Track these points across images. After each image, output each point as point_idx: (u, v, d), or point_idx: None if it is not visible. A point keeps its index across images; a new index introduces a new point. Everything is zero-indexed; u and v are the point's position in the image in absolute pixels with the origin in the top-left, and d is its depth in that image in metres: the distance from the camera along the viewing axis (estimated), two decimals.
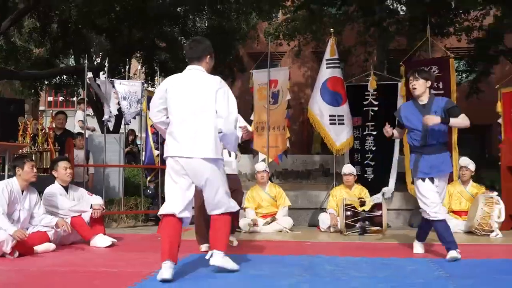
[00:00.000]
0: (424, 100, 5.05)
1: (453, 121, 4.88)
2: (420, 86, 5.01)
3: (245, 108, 23.31)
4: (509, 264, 4.83)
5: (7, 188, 5.32)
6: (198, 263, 4.61)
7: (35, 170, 5.58)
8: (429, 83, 5.03)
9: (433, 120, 4.77)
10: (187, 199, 4.07)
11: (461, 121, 4.89)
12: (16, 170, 5.50)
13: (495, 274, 4.20)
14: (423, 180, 4.92)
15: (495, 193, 7.26)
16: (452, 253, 4.75)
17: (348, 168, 7.85)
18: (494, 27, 15.31)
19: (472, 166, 7.58)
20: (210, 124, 4.09)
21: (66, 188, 6.25)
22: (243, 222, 7.57)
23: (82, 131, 9.21)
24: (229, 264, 4.14)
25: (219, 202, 4.18)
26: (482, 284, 3.77)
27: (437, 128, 4.90)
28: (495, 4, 14.18)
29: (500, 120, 8.62)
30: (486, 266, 4.64)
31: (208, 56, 4.30)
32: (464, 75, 19.19)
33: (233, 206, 4.31)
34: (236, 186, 5.95)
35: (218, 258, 4.08)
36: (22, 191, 5.53)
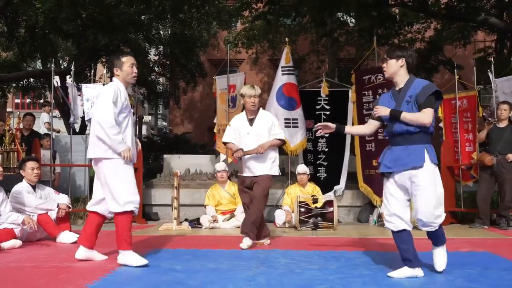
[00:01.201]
0: (400, 83, 3.93)
1: (406, 115, 3.75)
2: (389, 67, 3.94)
3: (207, 110, 23.42)
4: (447, 256, 4.93)
5: None
6: (161, 258, 4.57)
7: (1, 169, 5.44)
8: (402, 62, 3.89)
9: (382, 111, 3.88)
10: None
11: (416, 117, 3.73)
12: None
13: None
14: (386, 178, 3.94)
15: None
16: (404, 271, 3.78)
17: (302, 168, 7.91)
18: (434, 39, 15.73)
19: None
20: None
21: (34, 187, 6.10)
22: (203, 219, 7.56)
23: (49, 132, 9.00)
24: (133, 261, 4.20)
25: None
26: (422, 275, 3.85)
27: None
28: (436, 18, 14.55)
29: (441, 124, 8.85)
30: (426, 258, 4.70)
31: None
32: None
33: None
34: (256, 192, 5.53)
35: (121, 257, 4.25)
36: None
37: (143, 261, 4.13)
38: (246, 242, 5.27)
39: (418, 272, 3.78)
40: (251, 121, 5.60)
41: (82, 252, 4.40)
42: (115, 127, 4.16)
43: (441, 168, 8.44)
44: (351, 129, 4.49)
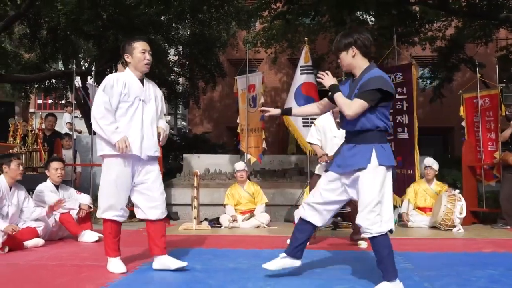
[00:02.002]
0: (357, 73, 3.46)
1: (337, 97, 3.40)
2: (342, 61, 3.49)
3: (226, 110, 23.47)
4: (469, 256, 4.89)
5: None
6: (181, 257, 4.59)
7: (21, 168, 5.51)
8: (353, 51, 3.39)
9: (326, 80, 3.51)
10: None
11: (343, 103, 3.35)
12: (3, 168, 5.43)
13: (457, 266, 4.24)
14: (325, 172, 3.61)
15: (457, 190, 7.36)
16: (279, 261, 3.69)
17: (320, 169, 7.86)
18: (455, 37, 15.54)
19: (436, 166, 7.67)
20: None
21: (57, 187, 6.20)
22: (223, 218, 7.58)
23: (69, 132, 9.11)
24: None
25: None
26: (444, 276, 3.81)
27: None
28: (457, 15, 14.37)
29: (463, 123, 8.75)
30: (449, 258, 4.69)
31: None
32: (428, 81, 19.41)
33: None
34: None
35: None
36: (10, 188, 5.46)
37: (120, 269, 3.91)
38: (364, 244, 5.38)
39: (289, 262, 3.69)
40: (338, 124, 5.45)
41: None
42: (106, 117, 3.87)
43: (462, 167, 8.37)
44: (298, 110, 3.99)
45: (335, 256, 4.79)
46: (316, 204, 3.56)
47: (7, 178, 5.42)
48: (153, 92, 4.18)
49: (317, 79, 3.54)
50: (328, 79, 3.50)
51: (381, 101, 3.30)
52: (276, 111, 3.90)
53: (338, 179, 3.49)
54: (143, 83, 4.12)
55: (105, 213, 3.98)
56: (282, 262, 3.67)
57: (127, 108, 3.98)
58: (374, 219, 3.26)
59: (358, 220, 3.33)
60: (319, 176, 5.53)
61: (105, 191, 3.98)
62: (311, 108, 3.96)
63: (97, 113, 3.88)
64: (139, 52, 4.06)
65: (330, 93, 3.55)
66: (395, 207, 8.30)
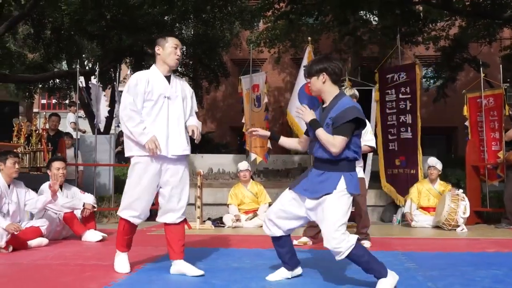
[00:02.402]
0: (327, 101, 3.48)
1: (320, 133, 3.34)
2: (312, 85, 3.53)
3: (229, 110, 23.46)
4: (473, 256, 4.87)
5: None
6: (184, 256, 4.60)
7: (17, 166, 5.45)
8: (323, 77, 3.42)
9: (306, 115, 3.46)
10: None
11: (327, 140, 3.31)
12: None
13: (461, 266, 4.23)
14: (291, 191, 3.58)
15: (461, 190, 7.35)
16: (280, 272, 3.72)
17: None
18: (459, 37, 15.51)
19: (439, 165, 7.66)
20: None
21: (60, 186, 6.19)
22: (226, 218, 7.59)
23: (70, 132, 9.14)
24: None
25: None
26: (448, 275, 3.80)
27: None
28: (460, 15, 14.35)
29: (467, 123, 8.74)
30: (452, 258, 4.68)
31: None
32: (432, 81, 19.39)
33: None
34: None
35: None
36: (9, 186, 5.45)
37: (124, 269, 3.87)
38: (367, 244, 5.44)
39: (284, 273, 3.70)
40: None
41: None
42: (132, 118, 3.77)
43: (466, 167, 8.35)
44: (284, 140, 3.87)
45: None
46: (279, 219, 3.59)
47: (4, 176, 5.40)
48: (181, 89, 4.04)
49: (296, 115, 3.50)
50: (307, 114, 3.47)
51: (354, 130, 3.35)
52: (265, 133, 3.89)
53: (301, 199, 3.51)
54: (169, 80, 3.99)
55: (122, 212, 3.89)
56: (283, 274, 3.71)
57: (152, 106, 3.87)
58: (340, 237, 3.28)
59: (326, 243, 3.35)
60: None
61: (128, 191, 3.88)
62: (294, 142, 3.91)
63: (123, 115, 3.81)
64: (171, 46, 3.96)
65: (307, 128, 3.58)
66: (398, 207, 8.31)
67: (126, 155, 3.95)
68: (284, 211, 3.56)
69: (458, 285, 3.51)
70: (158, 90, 3.89)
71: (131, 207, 3.85)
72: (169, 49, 3.95)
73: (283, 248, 3.68)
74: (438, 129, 19.52)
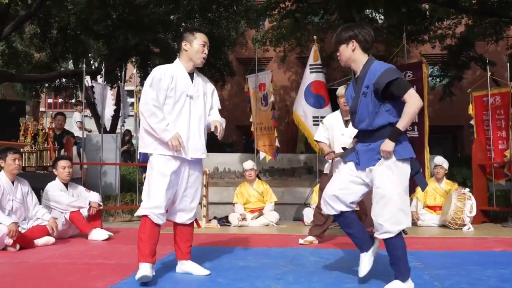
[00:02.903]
0: (357, 70, 3.32)
1: (402, 125, 3.14)
2: (341, 54, 3.34)
3: (235, 109, 23.41)
4: (479, 255, 4.85)
5: None
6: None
7: (17, 162, 5.42)
8: (353, 44, 3.26)
9: (389, 147, 3.14)
10: None
11: (408, 114, 3.11)
12: (0, 163, 5.43)
13: (467, 265, 4.21)
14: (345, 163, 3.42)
15: (467, 189, 7.31)
16: (365, 261, 3.52)
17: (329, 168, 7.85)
18: (465, 35, 15.43)
19: (446, 164, 7.63)
20: None
21: (66, 185, 6.22)
22: (232, 217, 7.60)
23: (80, 131, 9.17)
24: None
25: None
26: (454, 274, 3.78)
27: (363, 106, 3.23)
28: (467, 13, 14.28)
29: (472, 122, 8.70)
30: (459, 257, 4.66)
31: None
32: (438, 79, 19.30)
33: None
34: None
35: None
36: (13, 183, 5.45)
37: (143, 272, 3.44)
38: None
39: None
40: (346, 122, 5.45)
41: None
42: (155, 114, 3.58)
43: (472, 166, 8.31)
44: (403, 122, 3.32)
45: (344, 255, 4.77)
46: (340, 190, 3.36)
47: (6, 173, 5.40)
48: (203, 87, 3.89)
49: (385, 156, 3.17)
50: (387, 146, 3.14)
51: (393, 95, 3.16)
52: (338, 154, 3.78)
53: (356, 173, 3.33)
54: (192, 78, 3.82)
55: (144, 210, 3.62)
56: (366, 261, 3.49)
57: (173, 104, 3.69)
58: (394, 215, 3.14)
59: (375, 218, 3.21)
60: (327, 175, 5.52)
61: (146, 189, 3.67)
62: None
63: (145, 110, 3.61)
64: (199, 43, 3.78)
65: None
66: None
67: (141, 150, 3.86)
68: (344, 180, 3.35)
69: (464, 284, 3.49)
70: (181, 88, 3.73)
71: (153, 205, 3.59)
72: (196, 47, 3.78)
73: (351, 227, 3.44)
74: (444, 128, 19.44)
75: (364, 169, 3.28)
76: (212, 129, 3.85)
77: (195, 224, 4.13)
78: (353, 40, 3.25)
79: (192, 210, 3.89)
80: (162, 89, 3.66)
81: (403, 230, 3.27)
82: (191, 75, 3.83)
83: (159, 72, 3.71)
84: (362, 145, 3.31)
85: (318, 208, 5.47)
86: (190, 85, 3.78)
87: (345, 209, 3.38)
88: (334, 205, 3.38)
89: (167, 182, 3.61)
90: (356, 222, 3.48)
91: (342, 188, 3.36)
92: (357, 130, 3.47)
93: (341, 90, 5.55)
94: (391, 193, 3.14)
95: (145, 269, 3.47)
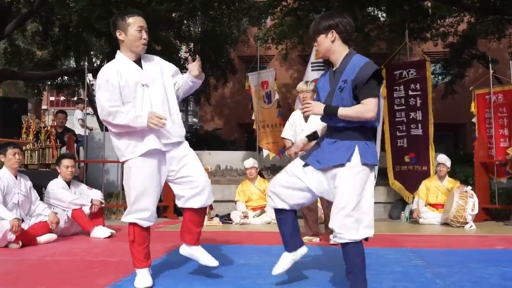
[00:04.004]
0: (336, 62, 3.10)
1: (343, 112, 2.93)
2: (319, 45, 3.12)
3: (236, 107, 23.38)
4: (481, 253, 4.85)
5: None
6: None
7: (17, 156, 5.42)
8: (332, 35, 3.03)
9: (315, 108, 3.03)
10: None
11: (356, 112, 2.91)
12: (0, 157, 5.44)
13: (470, 263, 4.21)
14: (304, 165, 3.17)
15: (469, 187, 7.30)
16: (283, 261, 3.36)
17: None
18: (468, 33, 15.41)
19: (448, 163, 7.62)
20: None
21: (68, 183, 6.24)
22: (234, 215, 7.60)
23: (81, 129, 9.18)
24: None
25: None
26: (456, 272, 3.78)
27: (338, 103, 3.00)
28: (469, 11, 14.25)
29: (474, 120, 8.68)
30: (461, 255, 4.66)
31: None
32: (440, 77, 19.28)
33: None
34: None
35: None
36: (16, 177, 5.46)
37: (144, 283, 3.35)
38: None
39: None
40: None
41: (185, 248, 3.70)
42: (118, 112, 3.29)
43: (474, 164, 8.30)
44: (320, 130, 3.38)
45: None
46: (282, 188, 3.19)
47: (8, 168, 5.42)
48: (156, 68, 3.52)
49: (305, 112, 3.09)
50: (315, 106, 3.04)
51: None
52: (302, 142, 3.57)
53: (312, 172, 3.12)
54: (140, 65, 3.47)
55: (128, 216, 3.43)
56: (286, 261, 3.33)
57: (133, 99, 3.38)
58: (350, 224, 2.90)
59: (332, 224, 2.97)
60: None
61: (128, 195, 3.45)
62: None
63: (106, 115, 3.33)
64: (135, 29, 3.38)
65: (303, 112, 3.13)
66: (406, 203, 8.28)
67: (121, 160, 3.47)
68: (288, 181, 3.17)
69: (467, 282, 3.48)
70: (133, 80, 3.38)
71: (137, 209, 3.40)
72: (133, 33, 3.38)
73: (285, 225, 3.26)
74: (446, 126, 19.39)
75: (325, 168, 3.05)
76: (192, 71, 3.59)
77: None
78: (333, 30, 3.02)
79: (207, 190, 3.50)
80: (114, 88, 3.34)
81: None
82: (138, 62, 3.47)
83: (104, 73, 3.38)
84: (328, 141, 3.09)
85: (305, 209, 5.60)
86: (141, 73, 3.43)
87: (287, 208, 3.22)
88: (276, 200, 3.23)
89: (148, 182, 3.40)
90: (291, 222, 3.27)
91: (287, 188, 3.19)
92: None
93: (301, 86, 5.61)
94: (349, 198, 2.93)
95: (144, 278, 3.38)
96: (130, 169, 3.41)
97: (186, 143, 3.58)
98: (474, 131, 8.77)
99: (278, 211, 3.27)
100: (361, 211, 2.94)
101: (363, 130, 2.99)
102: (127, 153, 3.40)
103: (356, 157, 2.94)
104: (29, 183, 5.64)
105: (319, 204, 7.51)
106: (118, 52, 3.51)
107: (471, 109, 8.73)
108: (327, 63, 3.28)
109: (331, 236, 5.17)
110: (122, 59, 3.45)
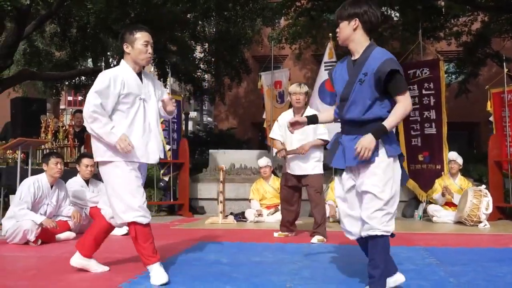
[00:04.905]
0: (356, 53, 3.01)
1: (391, 123, 2.85)
2: (341, 31, 3.03)
3: (251, 106, 23.39)
4: (495, 252, 4.80)
5: (34, 185, 5.29)
6: (207, 250, 4.62)
7: (59, 166, 5.45)
8: (355, 23, 2.94)
9: (371, 145, 2.83)
10: None
11: (398, 115, 2.86)
12: (43, 166, 5.49)
13: (483, 261, 4.17)
14: (339, 174, 3.16)
15: (484, 186, 7.24)
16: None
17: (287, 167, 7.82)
18: (481, 32, 15.24)
19: (460, 160, 7.56)
20: None
21: (87, 182, 6.30)
22: (248, 213, 7.62)
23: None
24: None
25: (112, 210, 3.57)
26: (470, 271, 3.75)
27: (357, 95, 2.92)
28: (483, 10, 14.10)
29: (491, 118, 8.59)
30: (475, 254, 4.62)
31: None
32: (453, 76, 19.10)
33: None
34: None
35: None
36: (52, 186, 5.50)
37: (163, 279, 3.34)
38: (317, 238, 5.37)
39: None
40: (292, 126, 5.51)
41: (77, 260, 3.73)
42: (97, 120, 3.40)
43: (488, 163, 8.22)
44: (322, 117, 3.41)
45: (360, 251, 4.74)
46: (345, 218, 3.14)
47: (48, 177, 5.46)
48: (152, 87, 3.68)
49: (363, 158, 2.85)
50: (366, 141, 2.83)
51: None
52: (303, 119, 3.44)
53: (349, 173, 3.05)
54: (141, 78, 3.62)
55: (125, 215, 3.44)
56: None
57: (127, 109, 3.50)
58: (381, 218, 2.87)
59: (363, 214, 2.91)
60: (288, 174, 5.65)
61: (114, 196, 3.47)
62: (330, 115, 3.38)
63: (88, 116, 3.44)
64: (141, 44, 3.53)
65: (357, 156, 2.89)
66: (420, 202, 8.22)
67: (97, 159, 3.57)
68: (347, 201, 3.08)
69: (480, 280, 3.46)
70: (134, 91, 3.52)
71: (133, 207, 3.42)
72: (139, 48, 3.54)
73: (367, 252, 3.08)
74: (459, 125, 19.21)
75: (351, 166, 2.98)
76: (167, 99, 3.66)
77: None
78: (356, 19, 2.93)
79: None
80: (111, 95, 3.45)
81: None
82: (139, 75, 3.62)
83: (107, 78, 3.47)
84: (348, 138, 2.98)
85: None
86: (141, 87, 3.58)
87: (355, 237, 3.13)
88: (345, 232, 3.18)
89: (133, 178, 3.48)
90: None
91: (347, 213, 3.12)
92: (303, 131, 3.28)
93: (294, 88, 5.60)
94: (377, 192, 2.88)
95: (160, 274, 3.38)
96: (111, 172, 3.50)
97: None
98: (491, 130, 8.67)
99: (359, 240, 3.15)
100: (391, 206, 2.92)
101: (381, 121, 2.88)
102: (106, 155, 3.50)
103: (382, 150, 2.89)
104: (63, 193, 5.68)
105: (329, 202, 7.51)
106: (122, 61, 3.64)
107: (487, 108, 8.62)
108: (346, 53, 3.14)
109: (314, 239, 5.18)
110: (127, 69, 3.58)
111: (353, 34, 2.96)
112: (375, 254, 2.93)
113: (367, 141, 2.82)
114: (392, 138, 2.96)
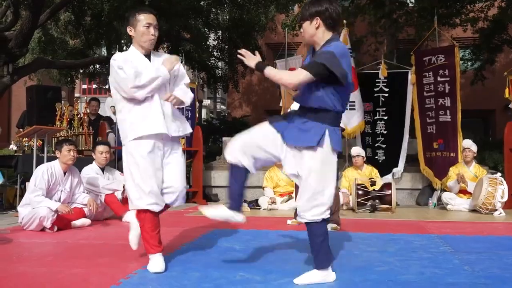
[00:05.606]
0: (317, 47, 3.10)
1: (269, 71, 2.98)
2: (304, 31, 3.11)
3: (264, 94, 23.30)
4: (511, 240, 4.76)
5: (47, 171, 5.34)
6: (221, 237, 4.64)
7: (72, 153, 5.49)
8: (316, 22, 2.99)
9: (250, 60, 3.05)
10: None
11: (280, 75, 3.09)
12: (56, 153, 5.54)
13: (498, 249, 4.15)
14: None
15: (499, 174, 7.17)
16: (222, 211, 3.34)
17: (355, 150, 7.81)
18: (498, 18, 15.00)
19: (474, 147, 7.49)
20: None
21: (103, 169, 6.35)
22: (262, 200, 7.63)
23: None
24: None
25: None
26: (485, 259, 3.72)
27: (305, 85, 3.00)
28: None
29: (511, 105, 8.47)
30: (489, 242, 4.58)
31: None
32: (469, 63, 18.86)
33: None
34: None
35: None
36: (65, 173, 5.55)
37: (159, 267, 3.36)
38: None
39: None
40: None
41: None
42: (138, 75, 3.37)
43: (504, 150, 8.12)
44: (272, 71, 3.08)
45: (374, 239, 4.74)
46: (252, 148, 3.13)
47: (60, 164, 5.50)
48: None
49: (238, 59, 2.97)
50: (250, 59, 3.05)
51: (333, 81, 2.91)
52: (254, 58, 3.14)
53: (280, 140, 3.09)
54: (150, 59, 3.57)
55: (135, 203, 3.46)
56: (226, 213, 3.31)
57: None
58: (313, 209, 2.98)
59: (298, 203, 3.05)
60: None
61: (130, 180, 3.47)
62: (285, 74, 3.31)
63: (132, 79, 3.35)
64: (143, 25, 3.47)
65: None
66: (434, 190, 8.17)
67: (124, 142, 3.52)
68: (259, 144, 3.11)
69: (496, 268, 3.43)
70: (142, 69, 3.47)
71: (146, 193, 3.39)
72: (140, 30, 3.47)
73: (238, 183, 3.20)
74: (475, 112, 19.05)
75: (291, 144, 3.04)
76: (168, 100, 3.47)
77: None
78: (318, 17, 2.99)
79: (180, 190, 3.58)
80: (132, 65, 3.44)
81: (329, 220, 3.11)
82: (148, 57, 3.57)
83: (119, 59, 3.45)
84: (299, 120, 3.04)
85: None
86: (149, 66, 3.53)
87: (248, 166, 3.13)
88: (241, 157, 3.12)
89: (150, 164, 3.42)
90: (242, 181, 3.22)
91: (257, 145, 3.12)
92: None
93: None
94: (317, 182, 2.98)
95: (158, 263, 3.39)
96: (129, 153, 3.46)
97: (180, 144, 3.69)
98: (510, 117, 8.55)
99: (237, 167, 3.15)
100: (326, 195, 3.00)
101: (332, 115, 2.99)
102: (130, 134, 3.43)
103: (326, 141, 2.97)
104: (76, 180, 5.72)
105: (342, 190, 7.50)
106: (131, 46, 3.62)
107: (506, 95, 8.51)
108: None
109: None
110: (134, 52, 3.57)
111: (317, 33, 3.04)
112: (313, 242, 3.11)
113: (252, 59, 3.05)
114: (338, 136, 3.06)
